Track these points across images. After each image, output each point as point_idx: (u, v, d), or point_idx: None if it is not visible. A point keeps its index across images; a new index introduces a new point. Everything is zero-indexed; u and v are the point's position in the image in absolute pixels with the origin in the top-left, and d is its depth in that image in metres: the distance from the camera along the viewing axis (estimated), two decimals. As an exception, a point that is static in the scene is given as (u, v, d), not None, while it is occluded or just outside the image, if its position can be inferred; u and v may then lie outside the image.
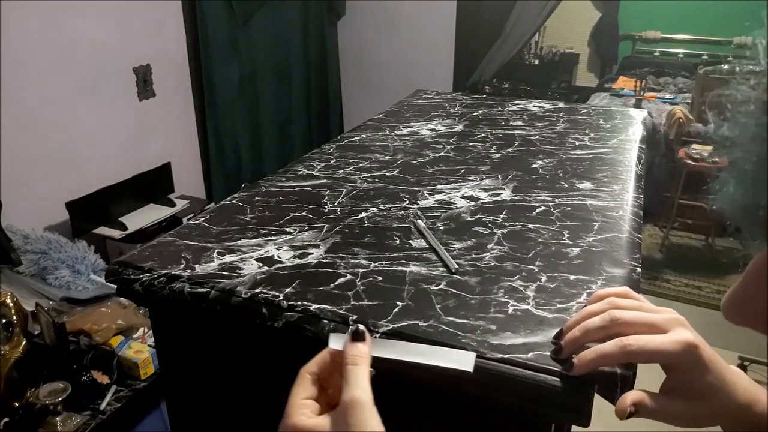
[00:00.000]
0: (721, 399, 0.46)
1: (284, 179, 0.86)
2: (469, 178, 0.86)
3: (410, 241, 0.67)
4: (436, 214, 0.74)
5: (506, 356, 0.48)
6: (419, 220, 0.71)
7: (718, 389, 0.46)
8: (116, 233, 2.09)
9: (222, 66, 2.77)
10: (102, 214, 2.13)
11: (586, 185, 0.83)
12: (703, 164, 3.24)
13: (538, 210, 0.75)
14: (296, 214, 0.75)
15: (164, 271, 0.62)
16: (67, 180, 2.13)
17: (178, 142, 2.71)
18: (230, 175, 2.96)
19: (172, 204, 2.35)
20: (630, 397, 0.44)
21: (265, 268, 0.62)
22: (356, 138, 1.05)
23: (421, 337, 0.50)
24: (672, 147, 3.44)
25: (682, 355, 0.45)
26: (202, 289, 0.59)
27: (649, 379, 0.45)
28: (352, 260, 0.63)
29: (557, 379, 0.46)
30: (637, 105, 3.61)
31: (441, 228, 0.70)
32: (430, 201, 0.78)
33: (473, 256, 0.64)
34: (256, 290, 0.58)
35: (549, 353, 0.48)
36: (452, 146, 1.00)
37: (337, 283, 0.59)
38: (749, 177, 0.25)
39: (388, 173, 0.88)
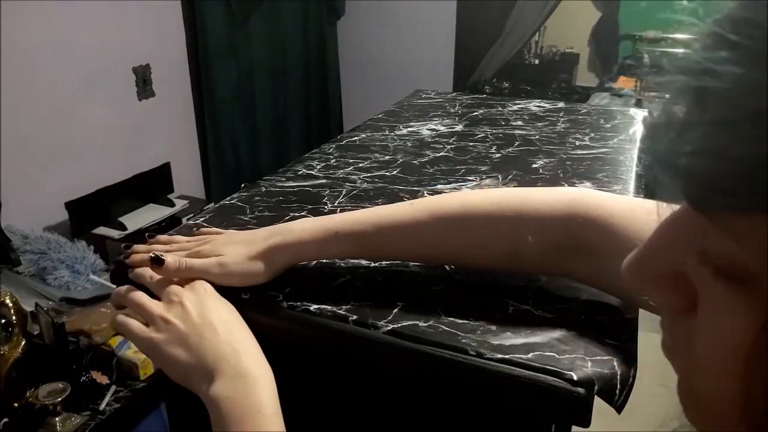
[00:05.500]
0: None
1: (284, 179, 0.86)
2: (469, 178, 0.86)
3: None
4: (436, 214, 0.74)
5: (506, 356, 0.48)
6: None
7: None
8: (116, 233, 2.09)
9: (221, 65, 2.77)
10: (101, 214, 2.13)
11: (587, 185, 0.82)
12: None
13: (538, 210, 0.75)
14: (296, 214, 0.75)
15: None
16: (67, 180, 2.13)
17: (177, 142, 2.71)
18: (229, 175, 2.96)
19: (172, 204, 2.35)
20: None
21: (265, 268, 0.61)
22: (356, 138, 1.05)
23: (422, 338, 0.50)
24: (672, 147, 3.43)
25: (211, 268, 0.56)
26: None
27: (650, 380, 0.45)
28: (352, 260, 0.63)
29: (557, 379, 0.46)
30: (638, 105, 3.61)
31: (441, 228, 0.70)
32: (430, 201, 0.78)
33: (473, 256, 0.63)
34: (256, 290, 0.57)
35: (124, 245, 0.62)
36: (452, 146, 1.00)
37: (337, 283, 0.59)
38: (675, 124, 0.24)
39: (388, 173, 0.88)
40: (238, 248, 0.57)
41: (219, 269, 0.56)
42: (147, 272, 0.58)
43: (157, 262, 0.54)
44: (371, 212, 0.57)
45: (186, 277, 0.56)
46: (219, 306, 0.54)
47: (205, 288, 0.55)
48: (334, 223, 0.56)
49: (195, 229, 0.67)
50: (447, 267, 0.61)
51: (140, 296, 0.56)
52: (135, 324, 0.55)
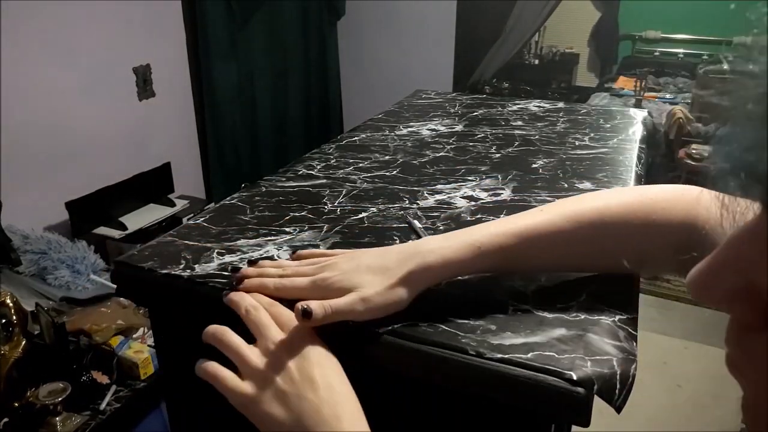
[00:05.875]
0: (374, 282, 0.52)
1: (284, 179, 0.86)
2: (469, 178, 0.86)
3: (410, 241, 0.67)
4: (436, 214, 0.74)
5: (506, 356, 0.48)
6: (415, 220, 0.71)
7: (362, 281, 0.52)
8: (116, 233, 2.09)
9: (221, 65, 2.77)
10: (102, 214, 2.13)
11: (586, 185, 0.83)
12: (703, 164, 3.24)
13: (538, 210, 0.75)
14: (296, 214, 0.75)
15: (164, 271, 0.62)
16: (67, 180, 2.13)
17: (178, 142, 2.72)
18: (230, 175, 2.96)
19: (172, 204, 2.35)
20: (306, 302, 0.50)
21: (265, 268, 0.62)
22: (356, 138, 1.05)
23: (422, 338, 0.50)
24: (672, 147, 3.44)
25: (315, 289, 0.53)
26: (202, 289, 0.59)
27: (650, 380, 0.45)
28: (352, 260, 0.63)
29: (557, 379, 0.46)
30: (637, 105, 3.61)
31: (441, 228, 0.70)
32: (430, 201, 0.78)
33: (473, 256, 0.64)
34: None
35: (231, 267, 0.60)
36: (452, 146, 1.00)
37: (337, 283, 0.59)
38: (750, 132, 0.23)
39: (388, 173, 0.88)
40: (374, 277, 0.52)
41: (364, 306, 0.51)
42: (244, 302, 0.54)
43: (306, 315, 0.49)
44: (506, 223, 0.55)
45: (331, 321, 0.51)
46: (318, 356, 0.50)
47: (304, 334, 0.51)
48: (474, 237, 0.53)
49: (292, 253, 0.62)
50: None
51: (237, 341, 0.52)
52: (228, 376, 0.51)
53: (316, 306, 0.50)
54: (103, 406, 1.40)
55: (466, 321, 0.52)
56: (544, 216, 0.55)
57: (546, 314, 0.53)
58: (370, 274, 0.52)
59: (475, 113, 1.21)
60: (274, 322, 0.53)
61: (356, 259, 0.55)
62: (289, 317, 0.52)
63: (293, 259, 0.60)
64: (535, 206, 0.75)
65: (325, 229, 0.71)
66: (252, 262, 0.60)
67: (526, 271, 0.58)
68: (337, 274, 0.53)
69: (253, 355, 0.51)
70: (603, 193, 0.58)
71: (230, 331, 0.53)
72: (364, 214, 0.74)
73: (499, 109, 1.24)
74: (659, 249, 0.53)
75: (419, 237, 0.67)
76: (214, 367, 0.52)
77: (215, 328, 0.54)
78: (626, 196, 0.56)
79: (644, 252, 0.54)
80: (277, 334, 0.51)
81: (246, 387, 0.50)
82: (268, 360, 0.50)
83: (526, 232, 0.54)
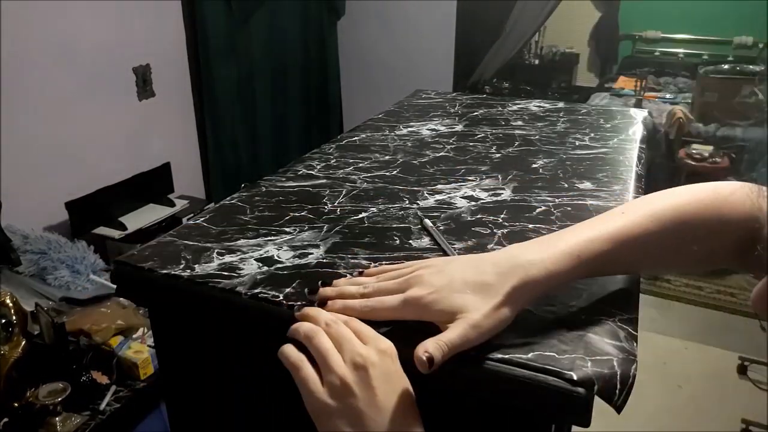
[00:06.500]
0: (482, 306, 0.48)
1: (284, 179, 0.86)
2: (469, 178, 0.86)
3: (410, 241, 0.67)
4: (436, 214, 0.74)
5: (506, 356, 0.48)
6: (426, 219, 0.71)
7: (468, 306, 0.48)
8: (116, 233, 2.09)
9: (221, 66, 2.77)
10: (102, 214, 2.13)
11: (587, 185, 0.83)
12: (703, 164, 3.24)
13: (538, 210, 0.75)
14: (296, 214, 0.75)
15: (164, 271, 0.62)
16: (67, 180, 2.13)
17: (177, 142, 2.71)
18: (229, 175, 2.96)
19: (172, 204, 2.35)
20: (423, 347, 0.46)
21: (265, 268, 0.62)
22: (356, 138, 1.05)
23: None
24: (672, 147, 3.44)
25: (408, 309, 0.50)
26: (202, 289, 0.59)
27: (650, 380, 0.45)
28: (352, 260, 0.63)
29: (557, 379, 0.46)
30: (638, 105, 3.61)
31: (441, 228, 0.70)
32: (430, 201, 0.78)
33: (473, 256, 0.64)
34: (256, 290, 0.57)
35: (308, 289, 0.56)
36: (452, 146, 1.00)
37: (337, 283, 0.59)
38: None
39: (388, 173, 0.88)
40: (475, 296, 0.49)
41: (476, 333, 0.47)
42: (322, 316, 0.51)
43: (430, 364, 0.46)
44: (596, 228, 0.53)
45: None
46: (401, 384, 0.48)
47: (392, 357, 0.48)
48: (570, 245, 0.52)
49: (358, 274, 0.58)
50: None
51: (328, 345, 0.49)
52: (312, 377, 0.49)
53: (434, 350, 0.46)
54: (102, 406, 1.40)
55: (466, 321, 0.52)
56: (630, 218, 0.53)
57: (546, 314, 0.53)
58: (470, 292, 0.49)
59: (475, 113, 1.21)
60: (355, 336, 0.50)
61: (446, 273, 0.51)
62: (371, 333, 0.50)
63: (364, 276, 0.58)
64: (535, 206, 0.76)
65: (325, 229, 0.71)
66: (325, 283, 0.56)
67: (616, 273, 0.57)
68: (431, 292, 0.49)
69: (341, 367, 0.48)
70: (675, 190, 0.57)
71: (323, 333, 0.50)
72: (364, 214, 0.74)
73: (499, 109, 1.24)
74: (728, 244, 0.53)
75: (432, 238, 0.67)
76: (301, 360, 0.50)
77: (309, 327, 0.51)
78: (698, 192, 0.55)
79: (714, 248, 0.54)
80: (361, 349, 0.48)
81: (325, 396, 0.47)
82: (354, 375, 0.47)
83: (619, 236, 0.52)
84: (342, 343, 0.49)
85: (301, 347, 0.51)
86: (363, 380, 0.47)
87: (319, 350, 0.49)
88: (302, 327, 0.51)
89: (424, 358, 0.45)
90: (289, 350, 0.51)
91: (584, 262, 0.51)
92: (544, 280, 0.50)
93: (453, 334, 0.47)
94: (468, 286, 0.49)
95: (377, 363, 0.47)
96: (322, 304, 0.54)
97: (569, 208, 0.75)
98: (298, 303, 0.55)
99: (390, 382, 0.47)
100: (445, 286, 0.50)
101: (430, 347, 0.46)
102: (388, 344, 0.49)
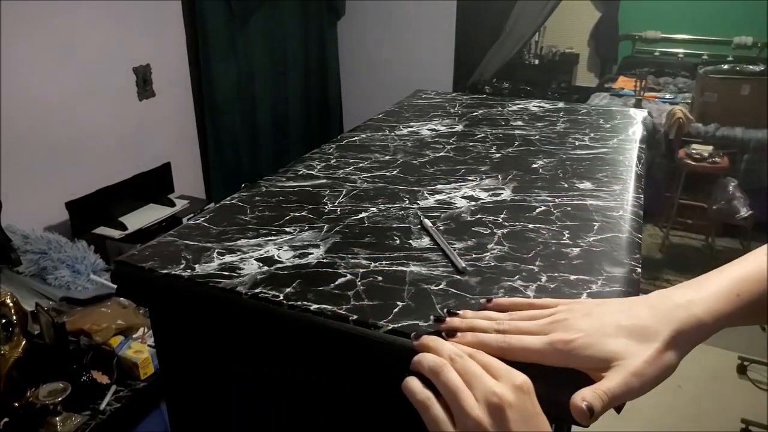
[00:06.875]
0: (642, 353, 0.44)
1: (284, 179, 0.86)
2: (469, 178, 0.86)
3: (410, 241, 0.67)
4: (436, 214, 0.74)
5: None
6: (425, 219, 0.71)
7: (624, 352, 0.44)
8: (116, 233, 2.09)
9: (221, 65, 2.77)
10: (102, 214, 2.13)
11: (586, 185, 0.83)
12: (703, 164, 3.24)
13: (538, 210, 0.75)
14: (296, 214, 0.75)
15: (164, 271, 0.62)
16: (67, 180, 2.13)
17: (177, 142, 2.71)
18: (229, 175, 2.96)
19: (172, 204, 2.35)
20: (581, 395, 0.43)
21: (265, 268, 0.62)
22: (356, 138, 1.05)
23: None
24: (672, 147, 3.44)
25: (553, 353, 0.45)
26: (203, 289, 0.59)
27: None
28: (352, 260, 0.63)
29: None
30: (637, 105, 3.61)
31: (441, 228, 0.70)
32: (430, 201, 0.78)
33: (473, 256, 0.64)
34: (257, 290, 0.58)
35: (434, 317, 0.52)
36: (452, 146, 1.00)
37: (337, 283, 0.59)
38: None
39: (388, 173, 0.88)
40: (631, 342, 0.44)
41: (638, 381, 0.43)
42: (446, 348, 0.47)
43: (591, 413, 0.42)
44: (747, 267, 0.49)
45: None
46: (541, 426, 0.43)
47: (530, 393, 0.43)
48: (726, 284, 0.48)
49: (485, 302, 0.54)
50: (455, 266, 0.61)
51: (458, 382, 0.44)
52: (443, 418, 0.43)
53: (593, 399, 0.42)
54: (103, 406, 1.40)
55: (467, 321, 0.52)
56: None
57: (546, 314, 0.53)
58: (625, 337, 0.45)
59: (475, 113, 1.21)
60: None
61: (594, 316, 0.47)
62: (501, 366, 0.45)
63: (491, 308, 0.53)
64: (535, 206, 0.76)
65: (325, 229, 0.71)
66: (452, 313, 0.52)
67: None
68: (581, 337, 0.45)
69: (474, 408, 0.42)
70: None
71: (450, 367, 0.45)
72: (364, 214, 0.74)
73: (499, 109, 1.24)
74: None
75: (432, 239, 0.67)
76: (429, 398, 0.44)
77: (434, 360, 0.46)
78: None
79: None
80: (496, 387, 0.43)
81: None
82: (489, 418, 0.42)
83: None
84: (471, 379, 0.44)
85: (426, 381, 0.46)
86: (500, 424, 0.41)
87: (448, 387, 0.44)
88: (426, 359, 0.46)
89: (584, 407, 0.42)
90: (415, 385, 0.46)
91: (744, 302, 0.47)
92: (712, 321, 0.46)
93: (612, 382, 0.43)
94: (622, 331, 0.45)
95: (514, 403, 0.42)
96: (451, 335, 0.49)
97: (569, 208, 0.75)
98: (414, 332, 0.50)
99: (529, 423, 0.42)
100: (595, 330, 0.45)
101: (588, 396, 0.42)
102: (523, 379, 0.43)
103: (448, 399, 0.44)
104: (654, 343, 0.44)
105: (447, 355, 0.46)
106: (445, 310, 0.53)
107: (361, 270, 0.61)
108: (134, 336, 1.57)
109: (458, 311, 0.52)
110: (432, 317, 0.52)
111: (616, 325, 0.45)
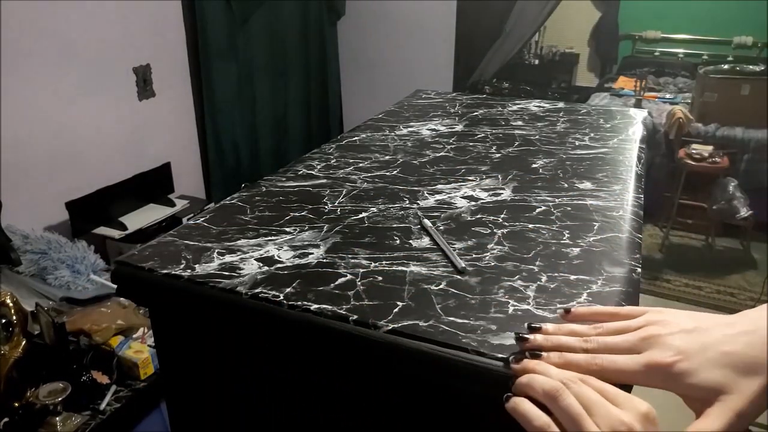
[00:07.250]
0: (740, 386, 0.41)
1: (284, 179, 0.86)
2: (469, 178, 0.86)
3: (410, 241, 0.67)
4: (436, 214, 0.74)
5: (506, 356, 0.48)
6: (425, 219, 0.71)
7: (723, 384, 0.41)
8: (116, 233, 2.09)
9: (221, 65, 2.77)
10: (102, 214, 2.13)
11: (586, 185, 0.83)
12: (703, 164, 3.24)
13: (538, 210, 0.75)
14: (296, 214, 0.75)
15: (164, 271, 0.62)
16: (67, 180, 2.13)
17: (177, 142, 2.72)
18: (229, 175, 2.96)
19: (172, 204, 2.35)
20: None
21: (266, 268, 0.62)
22: (356, 138, 1.05)
23: (422, 337, 0.50)
24: (672, 147, 3.44)
25: (648, 375, 0.42)
26: (203, 289, 0.59)
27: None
28: (353, 260, 0.63)
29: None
30: (637, 105, 3.61)
31: (441, 228, 0.70)
32: (430, 201, 0.78)
33: (473, 256, 0.64)
34: (257, 290, 0.58)
35: (516, 336, 0.48)
36: (452, 146, 1.00)
37: (337, 283, 0.59)
38: None
39: (388, 173, 0.88)
40: (737, 375, 0.41)
41: (741, 424, 0.40)
42: (554, 373, 0.43)
43: None
44: None
45: None
46: None
47: (655, 423, 0.40)
48: None
49: (564, 313, 0.50)
50: (454, 266, 0.61)
51: (578, 408, 0.41)
52: None
53: None
54: (103, 406, 1.40)
55: (467, 321, 0.52)
56: None
57: (546, 314, 0.53)
58: (729, 368, 0.41)
59: (475, 113, 1.21)
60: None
61: (694, 336, 0.43)
62: (619, 393, 0.42)
63: (570, 320, 0.49)
64: (535, 206, 0.76)
65: (325, 229, 0.71)
66: (534, 328, 0.48)
67: None
68: (681, 360, 0.42)
69: None
70: None
71: (569, 392, 0.41)
72: (364, 214, 0.74)
73: (499, 109, 1.24)
74: None
75: (432, 239, 0.67)
76: (550, 425, 0.41)
77: (551, 385, 0.42)
78: None
79: None
80: (622, 416, 0.40)
81: None
82: None
83: None
84: (592, 406, 0.41)
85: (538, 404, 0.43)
86: None
87: (569, 414, 0.40)
88: (538, 382, 0.43)
89: None
90: (530, 409, 0.42)
91: None
92: None
93: (717, 424, 0.40)
94: (728, 358, 0.41)
95: None
96: (535, 356, 0.46)
97: (569, 208, 0.75)
98: (512, 355, 0.47)
99: None
100: (697, 353, 0.42)
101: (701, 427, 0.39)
102: (647, 407, 0.40)
103: (567, 426, 0.40)
104: (758, 378, 0.41)
105: (559, 379, 0.42)
106: (527, 324, 0.49)
107: (361, 270, 0.61)
108: (134, 336, 1.57)
109: (539, 325, 0.48)
110: (515, 336, 0.48)
111: (721, 351, 0.42)
